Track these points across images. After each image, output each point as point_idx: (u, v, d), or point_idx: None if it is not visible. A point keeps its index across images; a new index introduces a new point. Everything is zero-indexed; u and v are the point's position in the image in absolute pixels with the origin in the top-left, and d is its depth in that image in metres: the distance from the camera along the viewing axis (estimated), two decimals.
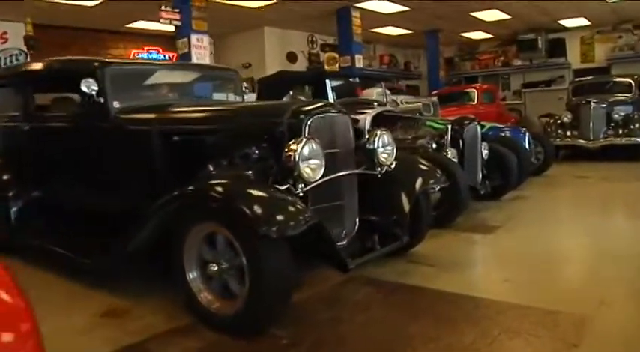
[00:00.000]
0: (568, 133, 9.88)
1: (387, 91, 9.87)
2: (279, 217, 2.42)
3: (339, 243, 3.11)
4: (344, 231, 3.15)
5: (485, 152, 5.72)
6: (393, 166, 3.51)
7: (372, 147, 3.33)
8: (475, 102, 11.14)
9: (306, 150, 2.70)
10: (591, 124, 9.58)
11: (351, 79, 6.07)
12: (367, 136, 3.37)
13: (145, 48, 12.41)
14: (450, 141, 5.30)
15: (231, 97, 4.57)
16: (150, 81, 4.04)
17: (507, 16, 12.81)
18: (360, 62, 10.78)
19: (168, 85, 4.18)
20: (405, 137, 5.55)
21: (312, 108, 2.99)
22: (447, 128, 5.22)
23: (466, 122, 5.39)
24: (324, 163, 2.79)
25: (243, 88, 4.75)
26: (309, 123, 2.90)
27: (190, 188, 2.70)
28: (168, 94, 4.15)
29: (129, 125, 3.54)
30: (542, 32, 14.95)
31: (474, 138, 5.43)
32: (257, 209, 2.41)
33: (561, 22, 13.84)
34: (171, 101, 3.90)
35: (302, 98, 6.11)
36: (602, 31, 14.82)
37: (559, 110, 10.98)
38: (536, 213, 5.43)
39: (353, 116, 5.98)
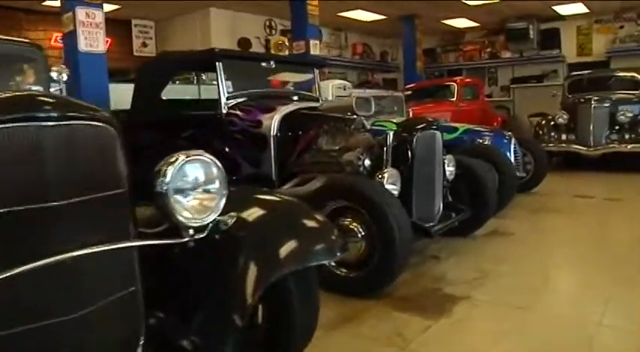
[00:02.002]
0: (563, 137, 8.24)
1: (346, 84, 8.12)
2: None
3: None
4: None
5: (450, 170, 3.97)
6: (229, 224, 1.75)
7: (160, 190, 1.55)
8: (455, 99, 9.40)
9: None
10: (592, 127, 7.93)
11: (263, 64, 4.26)
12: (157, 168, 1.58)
13: None
14: (396, 154, 3.53)
15: (28, 86, 2.81)
16: None
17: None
18: (316, 48, 8.95)
19: None
20: (331, 148, 3.78)
21: None
22: (387, 136, 3.43)
23: (418, 126, 3.60)
24: None
25: (56, 76, 2.96)
26: None
27: None
28: None
29: None
30: (534, 20, 13.20)
31: (429, 150, 3.66)
32: None
33: (556, 7, 12.07)
34: None
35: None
36: (602, 19, 13.10)
37: (552, 108, 9.45)
38: (523, 265, 3.63)
39: (250, 117, 4.26)
